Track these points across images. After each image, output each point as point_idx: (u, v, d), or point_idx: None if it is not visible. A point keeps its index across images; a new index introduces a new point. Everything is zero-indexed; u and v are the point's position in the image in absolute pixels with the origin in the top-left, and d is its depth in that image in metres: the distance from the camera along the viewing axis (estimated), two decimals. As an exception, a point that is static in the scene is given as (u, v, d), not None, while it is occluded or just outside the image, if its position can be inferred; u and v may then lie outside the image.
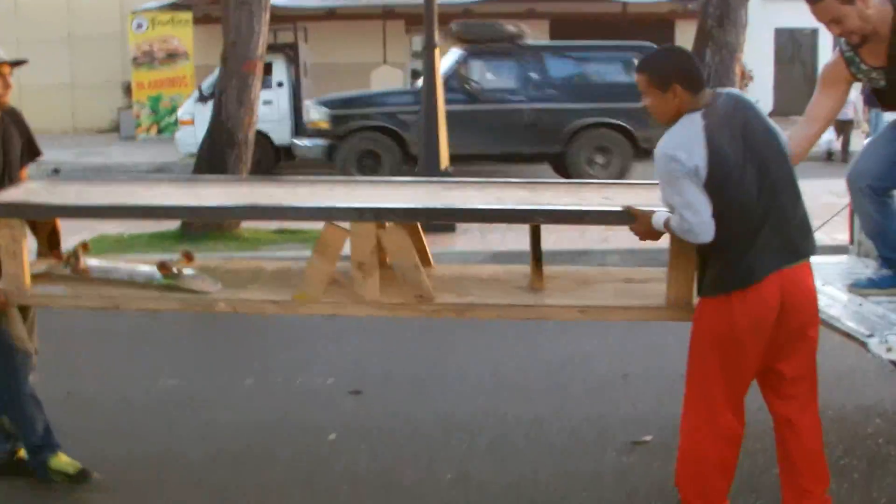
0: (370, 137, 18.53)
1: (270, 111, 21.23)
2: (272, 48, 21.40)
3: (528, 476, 5.65)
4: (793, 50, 33.46)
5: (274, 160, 21.75)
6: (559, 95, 18.62)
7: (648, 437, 6.10)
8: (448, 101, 13.77)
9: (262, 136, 20.26)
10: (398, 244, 4.97)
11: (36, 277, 5.34)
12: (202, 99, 21.35)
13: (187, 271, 5.33)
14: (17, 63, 5.37)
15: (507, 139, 18.41)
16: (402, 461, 5.88)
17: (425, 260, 5.51)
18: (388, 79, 28.70)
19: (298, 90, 22.31)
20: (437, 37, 12.53)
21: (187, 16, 27.56)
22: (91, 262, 5.51)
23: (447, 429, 6.33)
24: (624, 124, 18.29)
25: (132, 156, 23.72)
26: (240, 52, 13.22)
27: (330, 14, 31.74)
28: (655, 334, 7.21)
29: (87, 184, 6.05)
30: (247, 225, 13.38)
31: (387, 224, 4.97)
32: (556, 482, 5.55)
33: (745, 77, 28.32)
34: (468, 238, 12.50)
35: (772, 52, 32.77)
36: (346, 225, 4.98)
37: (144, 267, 5.41)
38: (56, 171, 19.19)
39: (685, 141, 4.27)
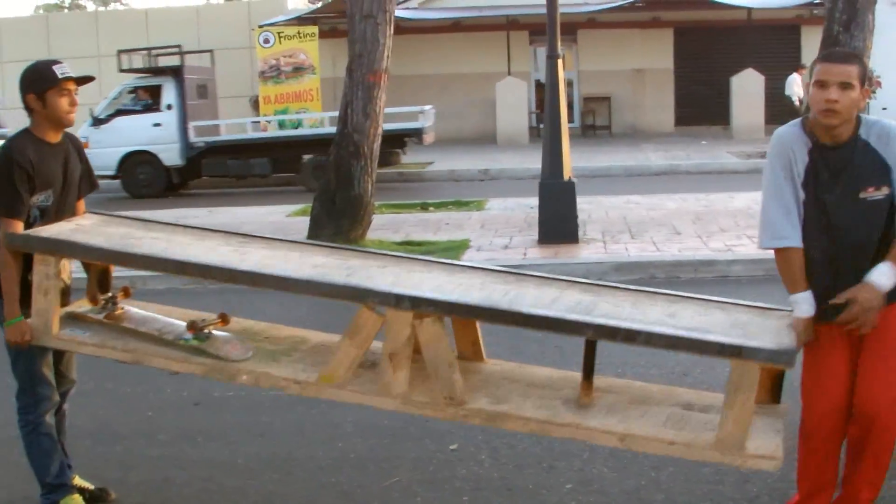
0: None
1: (160, 133, 22.73)
2: (159, 72, 23.30)
3: (649, 481, 5.68)
4: (922, 54, 32.78)
5: (165, 181, 22.93)
6: None
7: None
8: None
9: (153, 157, 22.51)
10: (434, 338, 4.60)
11: (71, 318, 5.26)
12: (96, 123, 22.67)
13: (220, 334, 5.13)
14: (83, 80, 5.19)
15: None
16: (523, 469, 5.96)
17: (477, 353, 5.28)
18: (513, 89, 28.79)
19: (185, 112, 23.04)
20: (558, 47, 12.58)
21: (313, 29, 27.89)
22: (131, 309, 5.40)
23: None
24: None
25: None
26: (365, 63, 13.40)
27: (455, 25, 31.95)
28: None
29: (141, 227, 5.62)
30: (373, 235, 13.56)
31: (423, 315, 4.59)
32: (677, 487, 5.57)
33: (873, 83, 27.86)
34: (593, 248, 12.50)
35: (901, 58, 32.13)
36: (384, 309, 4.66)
37: (180, 323, 5.20)
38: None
39: None
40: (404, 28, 24.01)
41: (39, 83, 5.04)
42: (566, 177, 12.61)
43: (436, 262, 5.42)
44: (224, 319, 5.24)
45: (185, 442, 6.55)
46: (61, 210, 5.27)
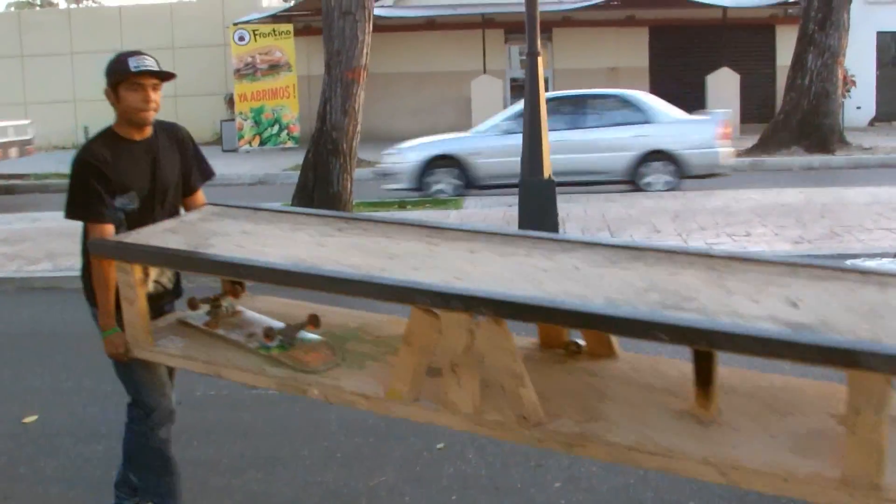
0: None
1: None
2: None
3: (637, 479, 5.64)
4: (896, 53, 33.00)
5: None
6: None
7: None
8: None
9: None
10: (495, 344, 3.81)
11: (182, 325, 4.92)
12: None
13: (310, 337, 4.64)
14: (163, 75, 4.69)
15: None
16: (510, 467, 5.92)
17: (603, 345, 4.50)
18: (488, 87, 28.79)
19: None
20: (538, 44, 12.54)
21: (288, 27, 27.88)
22: (243, 310, 5.00)
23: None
24: None
25: (235, 167, 24.01)
26: (344, 60, 13.37)
27: (430, 23, 31.92)
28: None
29: (245, 219, 5.09)
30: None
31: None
32: (666, 485, 5.54)
33: (848, 81, 27.99)
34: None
35: (874, 56, 32.31)
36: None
37: (278, 325, 4.69)
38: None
39: None
40: (380, 26, 23.91)
41: (112, 76, 4.65)
42: (546, 175, 12.57)
43: (531, 236, 4.68)
44: (314, 322, 4.69)
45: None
46: (153, 211, 4.84)
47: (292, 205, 13.69)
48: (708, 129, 17.98)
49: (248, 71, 27.72)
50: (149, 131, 4.79)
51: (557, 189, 12.90)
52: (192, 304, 5.02)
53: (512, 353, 3.81)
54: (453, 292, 3.82)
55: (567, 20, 31.75)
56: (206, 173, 5.20)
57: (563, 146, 16.65)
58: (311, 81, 27.61)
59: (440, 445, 6.24)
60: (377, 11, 25.99)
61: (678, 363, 4.36)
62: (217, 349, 4.67)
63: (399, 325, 4.73)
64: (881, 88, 32.39)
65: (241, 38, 28.01)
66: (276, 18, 29.54)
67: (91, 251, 4.64)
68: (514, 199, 13.11)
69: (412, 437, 6.34)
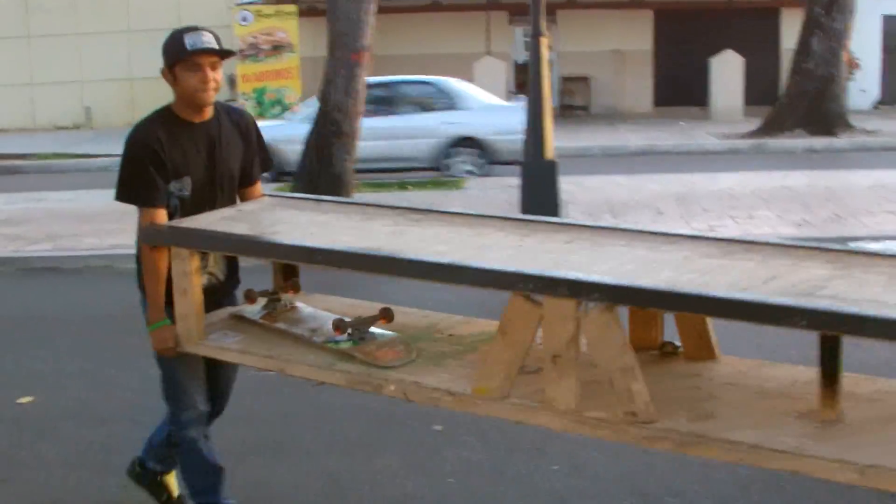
0: None
1: None
2: None
3: (641, 466, 5.61)
4: (902, 37, 32.86)
5: None
6: None
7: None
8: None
9: None
10: (603, 335, 3.53)
11: (236, 319, 4.66)
12: None
13: (381, 333, 4.31)
14: (220, 53, 4.43)
15: None
16: (513, 452, 5.89)
17: (704, 348, 4.17)
18: (491, 69, 28.69)
19: None
20: (543, 26, 12.48)
21: (292, 8, 27.75)
22: (300, 306, 4.73)
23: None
24: None
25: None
26: (348, 42, 13.33)
27: (434, 5, 31.82)
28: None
29: (310, 209, 4.89)
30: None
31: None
32: (669, 473, 5.51)
33: (853, 65, 27.90)
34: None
35: (879, 40, 32.19)
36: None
37: (345, 320, 4.36)
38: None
39: None
40: (384, 7, 23.80)
41: (168, 56, 4.36)
42: (548, 157, 12.52)
43: (629, 230, 4.39)
44: (386, 316, 4.38)
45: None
46: (208, 200, 4.54)
47: (293, 185, 13.67)
48: (516, 115, 17.32)
49: (251, 52, 27.62)
50: (209, 113, 4.49)
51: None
52: (250, 297, 4.72)
53: (624, 345, 3.53)
54: (562, 277, 3.55)
55: (572, 2, 31.62)
56: (267, 163, 4.87)
57: (371, 133, 16.23)
58: (316, 63, 27.54)
59: (438, 427, 6.22)
60: (381, -7, 25.92)
61: (785, 367, 4.11)
62: (278, 344, 4.39)
63: (473, 325, 4.57)
64: (886, 72, 32.27)
65: (245, 19, 27.88)
66: (279, 0, 29.47)
67: (141, 238, 4.40)
68: (514, 181, 13.07)
69: (415, 422, 6.31)
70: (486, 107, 18.75)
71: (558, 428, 3.75)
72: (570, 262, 3.78)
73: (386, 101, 18.50)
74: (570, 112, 32.38)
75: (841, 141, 22.55)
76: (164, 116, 4.45)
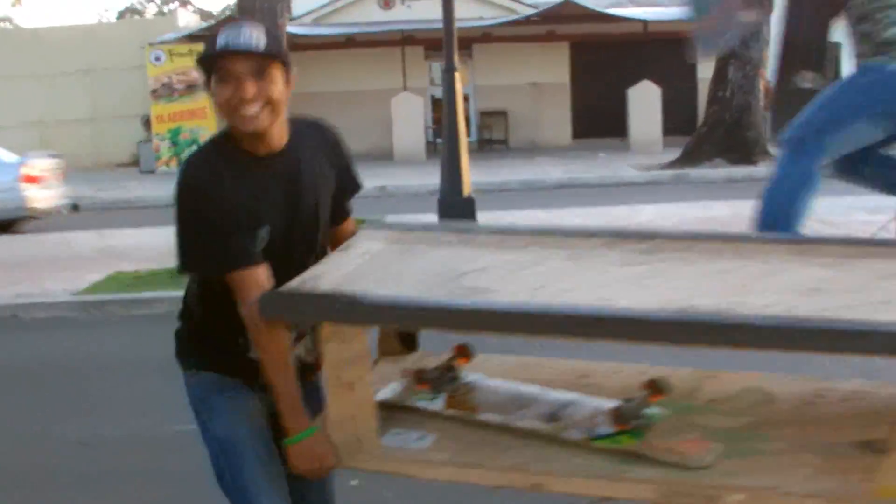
0: None
1: None
2: None
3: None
4: (816, 65, 33.14)
5: None
6: None
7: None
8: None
9: None
10: None
11: (392, 413, 3.23)
12: None
13: (656, 413, 3.02)
14: (269, 55, 3.04)
15: None
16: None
17: None
18: (409, 104, 28.55)
19: None
20: (456, 60, 12.31)
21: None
22: (478, 381, 3.35)
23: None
24: None
25: (152, 190, 23.58)
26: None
27: (349, 41, 31.67)
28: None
29: (463, 243, 3.43)
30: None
31: None
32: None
33: (770, 92, 28.05)
34: None
35: (795, 67, 32.41)
36: None
37: (568, 398, 3.14)
38: (75, 208, 18.92)
39: None
40: (298, 45, 23.59)
41: (202, 64, 3.12)
42: (466, 193, 12.34)
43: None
44: (659, 389, 3.04)
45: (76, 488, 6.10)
46: (293, 252, 3.19)
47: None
48: (8, 172, 16.92)
49: (165, 92, 27.32)
50: (279, 140, 3.16)
51: None
52: (420, 379, 3.30)
53: None
54: None
55: (487, 36, 31.61)
56: (356, 188, 3.52)
57: None
58: (229, 102, 27.25)
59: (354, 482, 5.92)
60: (295, 30, 25.73)
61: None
62: (504, 446, 3.00)
63: (717, 381, 3.36)
64: (802, 100, 32.53)
65: (157, 59, 27.61)
66: (192, 38, 29.10)
67: (264, 313, 2.93)
68: (433, 217, 12.85)
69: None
70: None
71: None
72: None
73: None
74: (488, 146, 32.34)
75: (760, 169, 22.53)
76: (220, 147, 3.15)
